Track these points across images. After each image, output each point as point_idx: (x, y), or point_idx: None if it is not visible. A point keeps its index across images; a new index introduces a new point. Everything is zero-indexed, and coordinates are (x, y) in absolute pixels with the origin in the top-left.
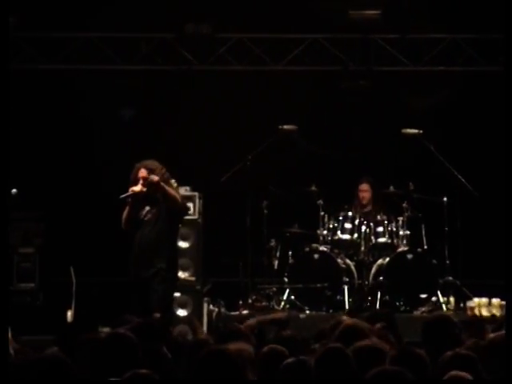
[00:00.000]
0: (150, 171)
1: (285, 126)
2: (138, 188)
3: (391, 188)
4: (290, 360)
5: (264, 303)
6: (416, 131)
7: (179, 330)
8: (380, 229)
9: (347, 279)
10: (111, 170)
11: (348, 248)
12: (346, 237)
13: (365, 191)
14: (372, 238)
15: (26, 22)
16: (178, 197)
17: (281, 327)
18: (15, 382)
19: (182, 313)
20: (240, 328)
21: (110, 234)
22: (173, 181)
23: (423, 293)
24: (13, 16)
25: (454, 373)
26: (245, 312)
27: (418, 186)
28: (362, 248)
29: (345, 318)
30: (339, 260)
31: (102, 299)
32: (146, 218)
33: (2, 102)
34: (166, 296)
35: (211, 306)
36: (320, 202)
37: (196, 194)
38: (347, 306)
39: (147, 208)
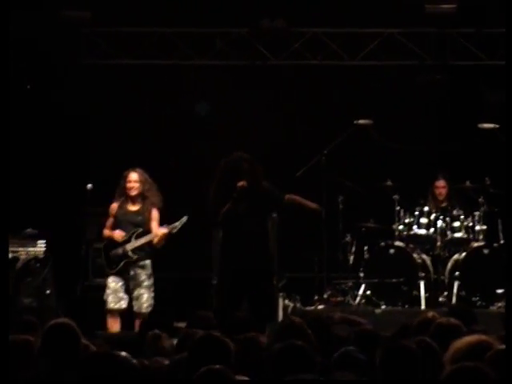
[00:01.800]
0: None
1: (360, 121)
2: (245, 183)
3: (467, 183)
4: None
5: (339, 298)
6: (492, 125)
7: None
8: (456, 224)
9: (423, 274)
10: (188, 162)
11: (424, 243)
12: (422, 232)
13: (441, 187)
14: (448, 232)
15: (101, 17)
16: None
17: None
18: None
19: None
20: (295, 321)
21: (186, 230)
22: None
23: (500, 288)
24: (88, 11)
25: None
26: (320, 307)
27: (494, 180)
28: (438, 243)
29: (431, 313)
30: (415, 255)
31: (178, 294)
32: (240, 212)
33: (2, 103)
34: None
35: (286, 301)
36: (396, 196)
37: None
38: (423, 301)
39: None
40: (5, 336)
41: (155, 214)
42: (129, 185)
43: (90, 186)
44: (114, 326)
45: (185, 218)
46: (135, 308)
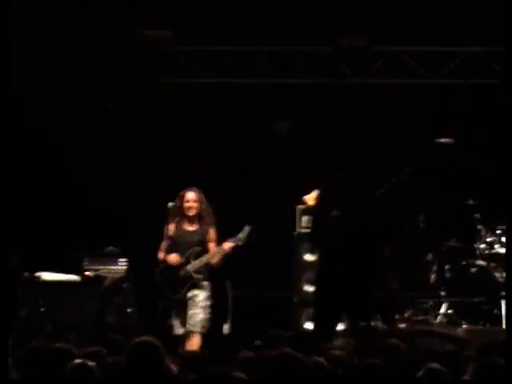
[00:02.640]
0: None
1: (442, 140)
2: (337, 213)
3: None
4: None
5: (421, 317)
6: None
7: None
8: None
9: (505, 293)
10: (272, 181)
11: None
12: (504, 250)
13: None
14: None
15: (182, 37)
16: None
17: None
18: None
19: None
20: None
21: (266, 249)
22: None
23: None
24: (170, 30)
25: None
26: (401, 326)
27: None
28: None
29: None
30: (497, 274)
31: (256, 314)
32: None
33: (2, 104)
34: None
35: None
36: (477, 215)
37: None
38: (504, 321)
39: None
40: (4, 339)
41: (213, 234)
42: (187, 204)
43: (170, 204)
44: (194, 347)
45: (247, 228)
46: (188, 326)
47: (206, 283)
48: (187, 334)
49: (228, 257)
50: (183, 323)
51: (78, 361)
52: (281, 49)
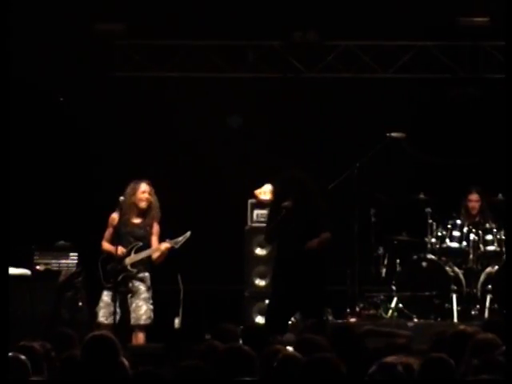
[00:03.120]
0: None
1: (393, 134)
2: (289, 204)
3: (500, 196)
4: None
5: (372, 311)
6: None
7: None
8: (489, 237)
9: (455, 287)
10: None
11: (456, 256)
12: (455, 245)
13: (474, 201)
14: (481, 246)
15: (134, 30)
16: None
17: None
18: None
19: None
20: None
21: (217, 242)
22: None
23: None
24: (122, 23)
25: None
26: (352, 320)
27: None
28: (471, 256)
29: (463, 327)
30: (447, 268)
31: (208, 307)
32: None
33: (2, 106)
34: None
35: None
36: (428, 209)
37: None
38: (455, 315)
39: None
40: (4, 339)
41: (156, 228)
42: (142, 196)
43: (122, 198)
44: None
45: (188, 234)
46: (133, 320)
47: (145, 275)
48: (133, 328)
49: (174, 252)
50: (110, 313)
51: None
52: (232, 43)
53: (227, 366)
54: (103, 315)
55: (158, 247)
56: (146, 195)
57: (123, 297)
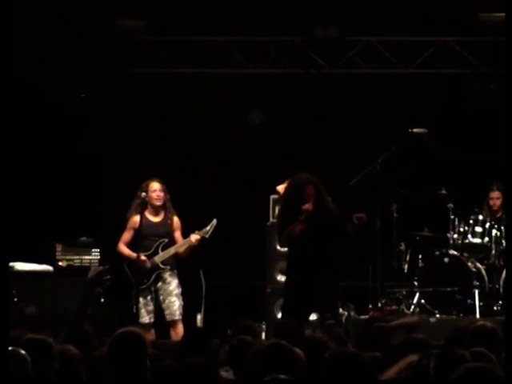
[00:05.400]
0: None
1: (415, 129)
2: (310, 206)
3: None
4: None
5: (394, 307)
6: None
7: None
8: None
9: (478, 283)
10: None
11: (478, 252)
12: (477, 240)
13: (496, 198)
14: (503, 241)
15: (155, 26)
16: None
17: (410, 331)
18: None
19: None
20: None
21: (239, 238)
22: None
23: None
24: (143, 20)
25: None
26: (375, 315)
27: None
28: (493, 252)
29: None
30: (469, 264)
31: (230, 303)
32: (305, 236)
33: (2, 105)
34: None
35: (341, 310)
36: (450, 205)
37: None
38: (477, 310)
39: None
40: (5, 339)
41: (177, 223)
42: (154, 194)
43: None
44: (151, 338)
45: (215, 221)
46: (168, 317)
47: (174, 272)
48: (170, 324)
49: (198, 247)
50: (149, 312)
51: (10, 348)
52: (254, 39)
53: (269, 363)
54: (144, 315)
55: (184, 242)
56: (158, 193)
57: (157, 295)
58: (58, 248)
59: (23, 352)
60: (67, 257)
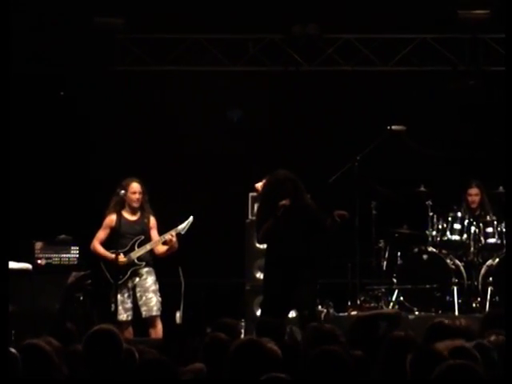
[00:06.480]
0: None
1: (393, 127)
2: (287, 202)
3: (500, 188)
4: None
5: (372, 304)
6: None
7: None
8: (489, 229)
9: (456, 280)
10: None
11: (457, 249)
12: (456, 237)
13: (474, 195)
14: (481, 238)
15: (134, 24)
16: None
17: (391, 323)
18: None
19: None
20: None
21: (218, 236)
22: None
23: None
24: (122, 18)
25: None
26: (353, 313)
27: None
28: (472, 249)
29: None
30: (448, 261)
31: (208, 300)
32: (282, 232)
33: (2, 104)
34: None
35: (320, 307)
36: (429, 202)
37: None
38: (456, 307)
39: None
40: (4, 338)
41: (154, 222)
42: (134, 196)
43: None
44: (129, 336)
45: (191, 218)
46: (144, 314)
47: (150, 269)
48: (148, 320)
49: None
50: (126, 310)
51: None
52: (232, 36)
53: (242, 360)
54: (122, 313)
55: (160, 238)
56: (137, 195)
57: (134, 291)
58: (37, 246)
59: (14, 351)
60: (46, 255)
